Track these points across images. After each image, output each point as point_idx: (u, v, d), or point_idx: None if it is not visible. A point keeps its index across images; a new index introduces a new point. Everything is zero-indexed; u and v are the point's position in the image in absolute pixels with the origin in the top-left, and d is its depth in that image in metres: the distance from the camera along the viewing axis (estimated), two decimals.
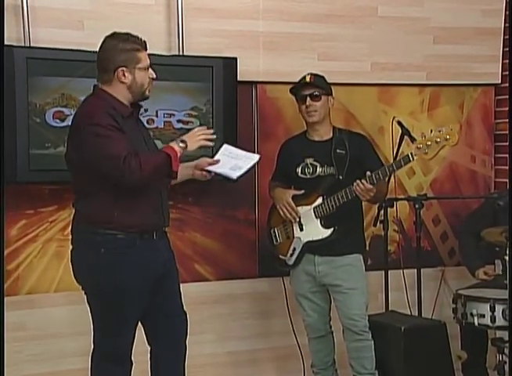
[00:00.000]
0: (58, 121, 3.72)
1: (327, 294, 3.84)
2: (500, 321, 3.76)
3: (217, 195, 4.27)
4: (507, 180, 4.57)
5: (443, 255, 4.73)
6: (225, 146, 3.28)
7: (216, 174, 3.23)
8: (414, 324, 3.90)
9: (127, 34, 3.11)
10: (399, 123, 3.98)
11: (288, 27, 4.25)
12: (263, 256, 4.28)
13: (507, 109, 4.60)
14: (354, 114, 4.47)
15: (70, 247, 3.18)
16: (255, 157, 3.26)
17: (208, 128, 3.23)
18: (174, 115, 3.94)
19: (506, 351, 3.78)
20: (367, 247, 4.04)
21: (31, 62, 3.64)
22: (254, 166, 3.26)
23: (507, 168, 4.63)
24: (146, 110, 3.63)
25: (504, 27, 4.59)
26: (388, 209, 4.18)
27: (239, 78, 4.06)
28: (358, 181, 3.53)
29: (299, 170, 3.79)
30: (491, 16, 4.59)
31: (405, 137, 3.92)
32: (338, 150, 3.73)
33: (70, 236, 3.18)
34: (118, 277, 3.06)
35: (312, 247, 3.74)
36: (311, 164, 3.77)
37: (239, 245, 4.34)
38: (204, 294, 4.24)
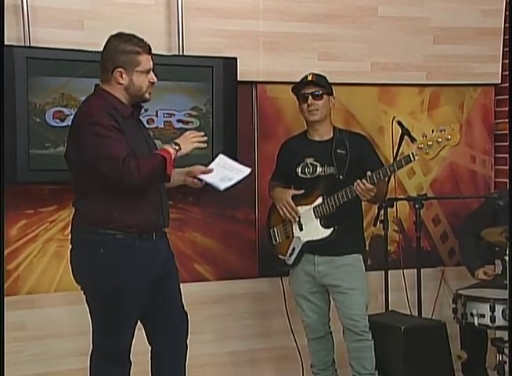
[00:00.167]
0: (58, 120, 3.72)
1: (327, 294, 3.84)
2: (500, 321, 3.77)
3: (217, 195, 4.20)
4: (507, 180, 4.57)
5: (443, 255, 4.73)
6: (221, 156, 3.29)
7: (206, 183, 3.26)
8: (414, 324, 3.90)
9: (131, 35, 3.11)
10: (399, 123, 3.98)
11: (288, 27, 4.25)
12: (263, 256, 4.28)
13: (507, 109, 4.60)
14: (354, 114, 4.47)
15: (70, 246, 3.18)
16: (246, 171, 3.28)
17: (199, 131, 3.24)
18: (174, 115, 3.94)
19: (506, 351, 3.79)
20: (367, 247, 4.04)
21: (31, 62, 3.64)
22: (243, 179, 3.27)
23: (507, 168, 4.63)
24: (145, 110, 3.63)
25: (504, 27, 4.59)
26: (388, 209, 4.18)
27: (239, 78, 4.06)
28: (358, 181, 3.53)
29: (299, 170, 3.79)
30: (491, 16, 4.59)
31: (405, 137, 3.92)
32: (338, 150, 3.73)
33: (70, 236, 3.19)
34: (117, 277, 3.06)
35: (312, 247, 3.74)
36: (311, 163, 3.77)
37: (239, 245, 4.34)
38: (204, 294, 4.24)
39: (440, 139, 3.50)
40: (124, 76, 3.09)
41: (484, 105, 4.74)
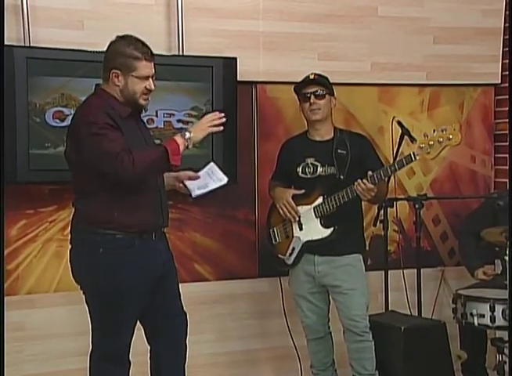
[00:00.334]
0: (58, 120, 3.72)
1: (326, 295, 3.84)
2: (500, 321, 3.77)
3: (217, 195, 4.22)
4: (507, 180, 4.57)
5: (443, 255, 4.73)
6: (211, 165, 3.29)
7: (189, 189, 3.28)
8: (414, 324, 3.90)
9: (136, 40, 3.10)
10: (399, 123, 3.97)
11: (288, 27, 4.25)
12: (263, 256, 4.28)
13: (507, 109, 4.60)
14: (354, 114, 4.47)
15: (69, 246, 3.18)
16: (223, 180, 3.27)
17: (220, 112, 3.18)
18: (174, 115, 3.94)
19: (506, 351, 3.79)
20: (367, 247, 4.03)
21: (31, 62, 3.64)
22: (218, 188, 3.27)
23: (507, 168, 4.63)
24: (145, 110, 3.62)
25: (504, 27, 4.59)
26: (388, 209, 4.18)
27: (239, 78, 4.06)
28: (359, 180, 3.52)
29: (299, 169, 3.79)
30: (491, 16, 4.59)
31: (405, 137, 3.92)
32: (339, 150, 3.73)
33: (70, 236, 3.19)
34: (116, 277, 3.07)
35: (312, 247, 3.73)
36: (311, 163, 3.77)
37: (239, 245, 4.34)
38: (204, 294, 4.24)
39: (441, 139, 3.49)
40: (120, 78, 3.09)
41: (484, 105, 4.74)
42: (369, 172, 3.52)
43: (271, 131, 4.32)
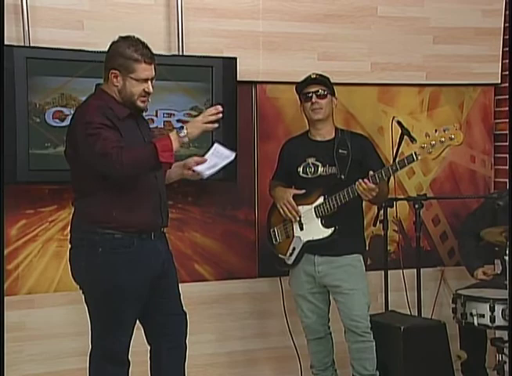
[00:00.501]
0: (58, 120, 3.72)
1: (327, 295, 3.83)
2: (500, 321, 3.77)
3: (217, 195, 4.27)
4: (507, 180, 4.58)
5: (443, 255, 4.73)
6: (216, 146, 3.23)
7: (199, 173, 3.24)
8: (414, 324, 3.90)
9: (138, 41, 3.09)
10: (399, 123, 3.97)
11: (288, 27, 4.25)
12: (263, 256, 4.28)
13: (507, 109, 4.60)
14: (354, 114, 4.47)
15: (69, 246, 3.18)
16: (231, 156, 3.22)
17: (221, 106, 3.11)
18: (174, 115, 3.95)
19: (506, 351, 3.79)
20: (367, 248, 4.03)
21: (31, 62, 3.64)
22: (227, 164, 3.22)
23: (507, 167, 4.63)
24: (145, 111, 3.62)
25: (504, 27, 4.59)
26: (388, 209, 4.18)
27: (239, 78, 4.06)
28: (360, 180, 3.52)
29: (300, 169, 3.79)
30: (491, 16, 4.59)
31: (405, 137, 3.92)
32: (340, 150, 3.73)
33: (69, 235, 3.19)
34: (115, 277, 3.07)
35: (312, 247, 3.73)
36: (312, 163, 3.77)
37: (239, 245, 4.34)
38: (204, 294, 4.24)
39: (443, 139, 3.48)
40: (118, 79, 3.09)
41: (484, 105, 4.74)
42: (371, 172, 3.52)
43: (271, 131, 4.32)
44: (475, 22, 4.57)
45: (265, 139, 4.32)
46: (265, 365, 4.41)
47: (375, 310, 4.03)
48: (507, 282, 3.67)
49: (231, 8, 4.14)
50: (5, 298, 3.39)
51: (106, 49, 3.13)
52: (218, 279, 4.31)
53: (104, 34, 3.64)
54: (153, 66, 3.12)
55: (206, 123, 3.05)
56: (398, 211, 4.44)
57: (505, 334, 3.83)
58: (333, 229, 3.68)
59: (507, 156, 4.60)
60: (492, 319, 3.78)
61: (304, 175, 3.78)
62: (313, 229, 3.72)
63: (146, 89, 3.12)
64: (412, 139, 3.80)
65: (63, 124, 3.65)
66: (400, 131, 3.97)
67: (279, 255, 3.85)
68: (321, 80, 3.77)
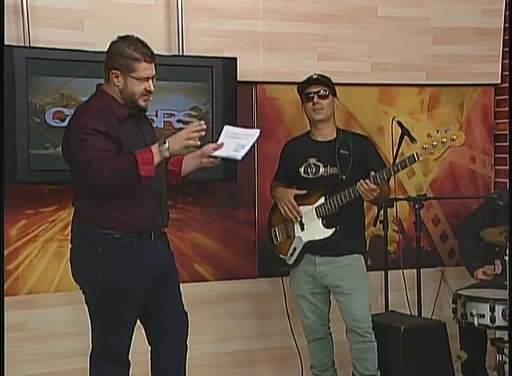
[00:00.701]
0: (58, 121, 3.72)
1: (327, 296, 3.83)
2: (500, 321, 3.77)
3: (217, 195, 4.27)
4: (507, 180, 4.57)
5: (443, 255, 4.73)
6: (226, 127, 3.20)
7: (222, 158, 3.18)
8: (414, 324, 3.90)
9: (138, 40, 3.08)
10: (399, 123, 3.98)
11: (288, 27, 4.24)
12: (263, 256, 4.28)
13: (507, 109, 4.60)
14: (354, 114, 4.47)
15: (70, 246, 3.18)
16: (256, 133, 3.19)
17: (203, 124, 3.09)
18: (174, 115, 3.94)
19: (506, 351, 3.79)
20: (367, 248, 4.03)
21: (31, 62, 3.64)
22: (255, 142, 3.19)
23: (507, 168, 4.63)
24: (146, 111, 3.62)
25: (504, 27, 4.59)
26: (388, 209, 4.18)
27: (239, 78, 4.06)
28: (361, 180, 3.52)
29: (302, 170, 3.78)
30: (491, 16, 4.58)
31: (405, 137, 3.92)
32: (342, 151, 3.73)
33: (70, 235, 3.19)
34: (115, 277, 3.07)
35: (313, 247, 3.73)
36: (314, 164, 3.77)
37: (239, 245, 4.34)
38: (204, 295, 4.24)
39: (445, 140, 3.47)
40: (119, 78, 3.08)
41: (484, 105, 4.74)
42: (372, 173, 3.52)
43: (271, 131, 4.32)
44: (475, 22, 4.57)
45: (265, 139, 4.31)
46: (266, 365, 4.41)
47: (375, 310, 4.02)
48: (507, 282, 3.67)
49: (231, 8, 4.14)
50: (6, 298, 3.39)
51: (106, 50, 3.13)
52: (218, 279, 4.31)
53: (104, 34, 3.63)
54: (153, 64, 3.12)
55: (188, 139, 3.03)
56: (398, 211, 4.45)
57: (505, 335, 3.83)
58: (334, 229, 3.68)
59: (507, 156, 4.60)
60: (492, 320, 3.78)
61: (306, 176, 3.78)
62: (314, 229, 3.72)
63: (148, 88, 3.11)
64: (413, 139, 3.81)
65: (63, 124, 3.63)
66: (400, 131, 3.97)
67: (280, 255, 3.85)
68: (322, 80, 3.77)
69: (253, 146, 3.17)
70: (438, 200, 4.65)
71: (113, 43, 3.11)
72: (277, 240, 3.87)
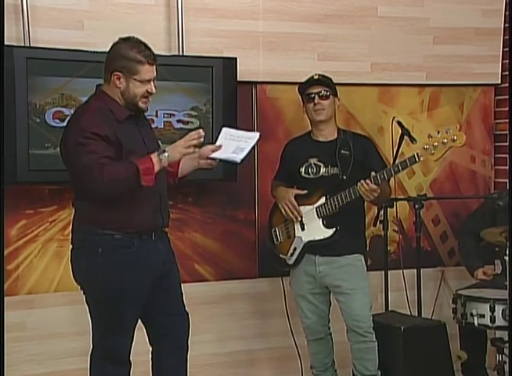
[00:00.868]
0: (58, 121, 3.72)
1: (327, 296, 3.83)
2: (500, 321, 3.77)
3: (217, 195, 4.27)
4: (507, 180, 4.57)
5: (443, 255, 4.73)
6: (225, 130, 3.21)
7: (220, 160, 3.18)
8: (414, 324, 3.90)
9: (140, 42, 3.08)
10: (399, 123, 3.97)
11: (288, 27, 4.24)
12: (263, 256, 4.28)
13: (507, 109, 4.61)
14: (354, 115, 4.46)
15: (70, 246, 3.18)
16: (255, 136, 3.20)
17: (201, 132, 3.11)
18: (174, 115, 3.94)
19: (506, 351, 3.79)
20: (367, 248, 4.03)
21: (31, 62, 3.64)
22: (255, 145, 3.19)
23: (507, 168, 4.63)
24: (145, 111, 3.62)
25: (504, 27, 4.59)
26: (388, 209, 4.18)
27: (239, 78, 4.05)
28: (362, 181, 3.52)
29: (302, 170, 3.78)
30: (491, 16, 4.58)
31: (405, 137, 3.92)
32: (343, 151, 3.73)
33: (70, 236, 3.19)
34: (116, 277, 3.07)
35: (313, 247, 3.73)
36: (315, 164, 3.77)
37: (239, 245, 4.34)
38: (204, 295, 4.24)
39: (445, 140, 3.47)
40: (121, 80, 3.08)
41: (484, 105, 4.74)
42: (373, 173, 3.52)
43: (271, 131, 4.32)
44: (475, 22, 4.57)
45: (265, 139, 4.30)
46: (266, 365, 4.41)
47: (375, 310, 4.02)
48: (507, 282, 3.67)
49: (231, 8, 4.14)
50: (6, 298, 3.39)
51: (107, 50, 3.12)
52: (218, 279, 4.31)
53: (104, 35, 3.64)
54: (154, 66, 3.12)
55: (188, 147, 3.05)
56: (399, 211, 4.45)
57: (505, 335, 3.83)
58: (334, 229, 3.68)
59: (507, 156, 4.60)
60: (492, 320, 3.78)
61: (306, 176, 3.78)
62: (314, 229, 3.72)
63: (149, 90, 3.12)
64: (413, 140, 3.80)
65: (63, 124, 3.61)
66: (400, 131, 3.97)
67: (280, 255, 3.85)
68: (323, 81, 3.77)
69: (252, 148, 3.18)
70: (438, 200, 4.65)
71: (115, 45, 3.11)
72: (277, 240, 3.87)
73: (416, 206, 4.13)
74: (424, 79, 4.56)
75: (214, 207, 4.27)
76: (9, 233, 3.86)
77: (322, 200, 3.70)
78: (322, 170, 3.76)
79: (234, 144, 3.16)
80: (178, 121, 3.95)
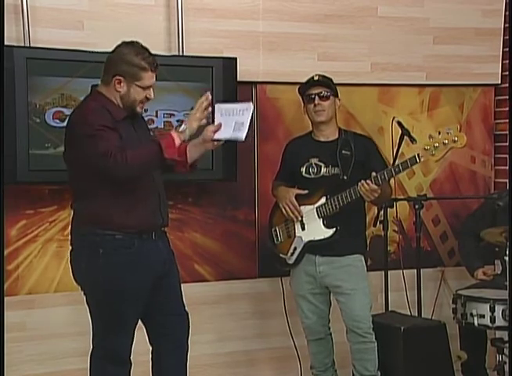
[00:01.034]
0: (58, 121, 3.72)
1: (327, 296, 3.83)
2: (500, 321, 3.78)
3: (217, 195, 4.27)
4: (507, 181, 4.57)
5: (443, 255, 4.73)
6: (218, 106, 3.18)
7: (225, 141, 3.14)
8: (414, 324, 3.90)
9: (144, 48, 3.09)
10: (399, 123, 3.97)
11: (288, 27, 4.24)
12: (263, 256, 4.28)
13: (507, 109, 4.61)
14: (354, 115, 4.46)
15: (70, 248, 3.18)
16: (250, 107, 3.15)
17: (208, 95, 3.14)
18: (174, 115, 3.94)
19: (506, 351, 3.79)
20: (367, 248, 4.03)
21: (31, 62, 3.64)
22: (252, 115, 3.14)
23: (507, 168, 4.63)
24: (145, 110, 3.62)
25: (504, 27, 4.59)
26: (388, 209, 4.18)
27: (239, 78, 4.05)
28: (363, 181, 3.52)
29: (303, 170, 3.78)
30: (491, 16, 4.58)
31: (405, 137, 3.92)
32: (343, 151, 3.73)
33: (70, 237, 3.19)
34: (117, 278, 3.07)
35: (313, 247, 3.73)
36: (315, 164, 3.77)
37: (239, 245, 4.34)
38: (204, 295, 4.24)
39: (446, 141, 3.47)
40: (122, 85, 3.08)
41: (484, 105, 4.74)
42: (373, 173, 3.52)
43: (271, 131, 4.32)
44: (475, 22, 4.57)
45: (265, 140, 4.32)
46: (266, 365, 4.41)
47: (375, 310, 4.02)
48: (507, 282, 3.67)
49: (231, 8, 4.14)
50: (6, 299, 3.39)
51: (107, 51, 3.12)
52: (218, 279, 4.31)
53: (104, 35, 3.65)
54: (155, 74, 3.13)
55: (201, 113, 3.08)
56: (399, 211, 4.45)
57: (505, 335, 3.83)
58: (334, 229, 3.68)
59: (507, 156, 4.60)
60: (492, 320, 3.78)
61: (307, 176, 3.78)
62: (315, 229, 3.72)
63: (148, 96, 3.13)
64: (413, 140, 3.80)
65: (63, 124, 3.61)
66: (400, 131, 3.96)
67: (281, 255, 3.85)
68: (324, 81, 3.77)
69: (251, 121, 3.14)
70: (438, 201, 4.65)
71: (118, 48, 3.10)
72: (278, 240, 3.87)
73: (416, 206, 4.13)
74: (424, 79, 4.56)
75: (214, 208, 4.27)
76: (9, 233, 3.86)
77: (323, 200, 3.70)
78: (323, 170, 3.75)
79: (232, 119, 3.12)
80: (178, 121, 3.94)
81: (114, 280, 3.06)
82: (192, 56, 3.99)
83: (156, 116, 3.89)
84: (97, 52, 3.48)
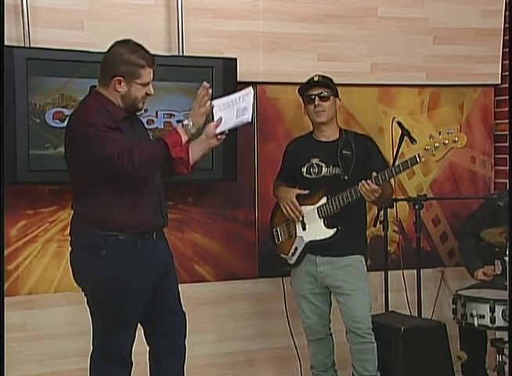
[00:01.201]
0: (58, 121, 3.71)
1: (328, 296, 3.83)
2: (500, 322, 3.78)
3: (217, 195, 4.27)
4: (507, 181, 4.57)
5: (443, 256, 4.73)
6: (215, 102, 3.14)
7: (230, 130, 3.12)
8: (414, 325, 3.90)
9: (139, 45, 3.08)
10: (399, 123, 3.97)
11: (288, 28, 4.24)
12: (263, 257, 4.28)
13: (507, 109, 4.60)
14: (354, 115, 4.46)
15: (70, 249, 3.17)
16: (250, 91, 3.12)
17: (206, 84, 3.11)
18: (174, 115, 3.94)
19: (506, 352, 3.79)
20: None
21: (31, 62, 3.64)
22: (254, 99, 3.12)
23: (507, 168, 4.63)
24: (145, 111, 3.62)
25: (504, 27, 4.59)
26: (388, 210, 4.18)
27: (239, 79, 4.05)
28: (363, 181, 3.52)
29: (304, 170, 3.78)
30: (491, 17, 4.59)
31: (405, 138, 3.92)
32: (344, 151, 3.73)
33: (70, 238, 3.18)
34: (120, 278, 3.06)
35: (314, 247, 3.73)
36: (316, 164, 3.77)
37: (239, 246, 4.34)
38: (204, 295, 4.24)
39: (447, 141, 3.47)
40: (122, 84, 3.08)
41: (484, 105, 4.74)
42: (374, 173, 3.52)
43: (271, 131, 4.32)
44: (475, 22, 4.57)
45: (265, 140, 4.32)
46: (266, 365, 4.41)
47: (375, 311, 4.02)
48: (507, 283, 3.67)
49: (231, 8, 4.14)
50: (6, 299, 3.39)
51: (105, 53, 3.11)
52: (218, 279, 4.31)
53: (104, 35, 3.64)
54: (152, 69, 3.13)
55: (203, 105, 3.06)
56: (399, 211, 4.45)
57: (505, 335, 3.83)
58: (335, 229, 3.68)
59: (507, 156, 4.60)
60: (492, 320, 3.78)
61: (308, 176, 3.78)
62: (315, 229, 3.72)
63: (148, 92, 3.13)
64: (413, 140, 3.80)
65: (63, 124, 3.61)
66: (400, 131, 3.96)
67: (281, 255, 3.85)
68: (324, 82, 3.76)
69: (254, 104, 3.12)
70: (438, 201, 4.65)
71: (113, 48, 3.09)
72: (279, 240, 3.87)
73: (416, 206, 4.13)
74: (424, 79, 4.56)
75: (214, 208, 4.27)
76: (9, 234, 3.86)
77: (324, 200, 3.70)
78: (324, 170, 3.75)
79: (233, 109, 3.11)
80: (178, 122, 3.90)
81: (117, 280, 3.06)
82: (192, 57, 3.99)
83: (156, 116, 3.89)
84: (97, 53, 3.46)
